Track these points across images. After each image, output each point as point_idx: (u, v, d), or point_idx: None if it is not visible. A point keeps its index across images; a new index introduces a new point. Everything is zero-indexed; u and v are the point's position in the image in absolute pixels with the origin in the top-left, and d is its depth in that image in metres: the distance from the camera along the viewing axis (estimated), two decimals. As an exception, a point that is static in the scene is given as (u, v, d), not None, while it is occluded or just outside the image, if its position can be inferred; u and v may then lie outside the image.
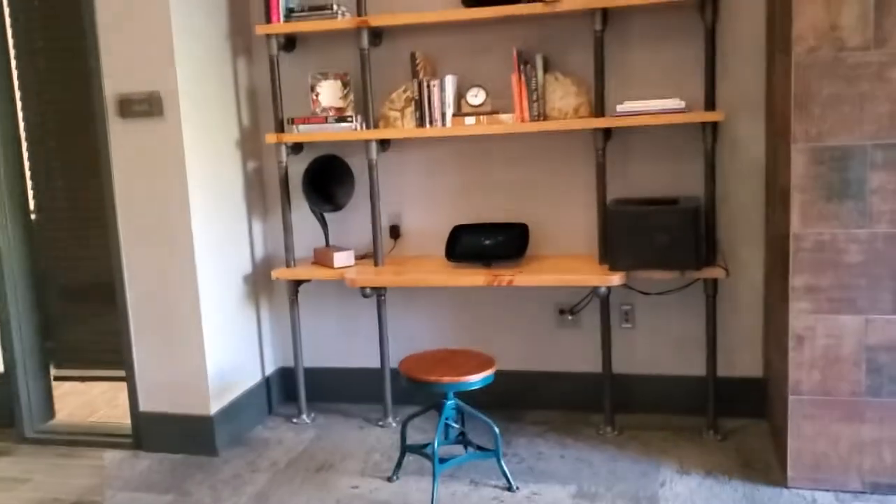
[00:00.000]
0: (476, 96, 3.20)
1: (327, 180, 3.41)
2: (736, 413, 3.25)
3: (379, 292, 3.32)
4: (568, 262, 3.20)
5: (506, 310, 3.47)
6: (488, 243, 3.25)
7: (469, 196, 3.43)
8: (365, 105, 3.26)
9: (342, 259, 3.34)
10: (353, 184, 3.43)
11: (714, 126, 2.99)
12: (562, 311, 3.40)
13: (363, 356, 3.63)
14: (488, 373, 2.78)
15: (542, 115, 3.13)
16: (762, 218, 3.17)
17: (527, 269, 3.09)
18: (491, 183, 3.40)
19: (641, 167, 3.24)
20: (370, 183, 3.30)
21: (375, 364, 3.51)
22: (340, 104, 3.34)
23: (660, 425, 3.26)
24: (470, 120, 3.16)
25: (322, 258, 3.42)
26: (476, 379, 2.75)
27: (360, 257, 3.47)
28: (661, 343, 3.34)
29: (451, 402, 2.81)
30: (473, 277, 3.06)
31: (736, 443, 3.09)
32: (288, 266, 3.43)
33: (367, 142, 3.28)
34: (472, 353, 2.95)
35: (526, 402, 3.48)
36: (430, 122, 3.20)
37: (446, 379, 2.73)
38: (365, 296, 3.24)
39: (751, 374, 3.27)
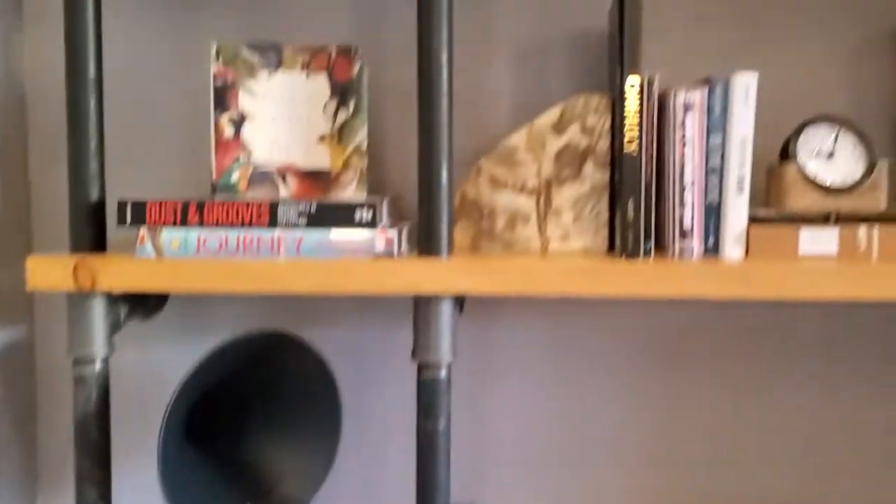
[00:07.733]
0: (826, 141, 0.86)
1: (250, 422, 0.96)
2: None
3: None
4: None
5: None
6: None
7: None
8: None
9: None
10: (338, 431, 0.97)
11: None
12: None
13: None
14: None
15: None
16: None
17: None
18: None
19: None
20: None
21: None
22: (321, 160, 0.89)
23: None
24: (863, 235, 0.80)
25: None
26: None
27: None
28: None
29: None
30: None
31: None
32: None
33: (425, 300, 0.82)
34: None
35: None
36: (673, 248, 0.81)
37: None
38: None
39: None
